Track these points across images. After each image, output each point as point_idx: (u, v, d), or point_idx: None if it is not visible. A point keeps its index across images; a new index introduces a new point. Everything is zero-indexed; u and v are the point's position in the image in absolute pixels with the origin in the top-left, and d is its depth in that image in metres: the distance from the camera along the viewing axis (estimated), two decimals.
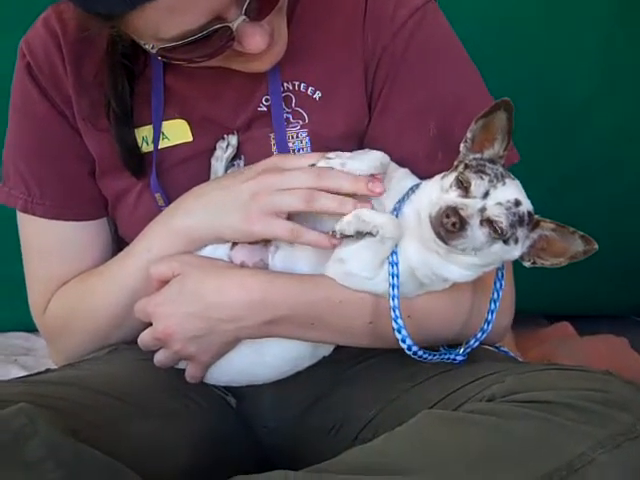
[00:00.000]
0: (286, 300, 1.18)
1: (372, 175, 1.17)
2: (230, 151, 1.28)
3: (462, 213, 1.08)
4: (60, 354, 1.38)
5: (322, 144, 1.25)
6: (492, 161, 1.14)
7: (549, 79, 2.11)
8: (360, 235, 1.14)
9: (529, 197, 1.14)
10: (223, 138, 1.29)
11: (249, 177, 1.19)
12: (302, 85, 1.26)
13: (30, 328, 1.84)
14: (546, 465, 0.90)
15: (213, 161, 1.29)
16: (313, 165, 1.18)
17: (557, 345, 2.05)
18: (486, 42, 1.90)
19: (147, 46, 1.10)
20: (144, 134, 1.30)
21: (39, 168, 1.33)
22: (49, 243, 1.35)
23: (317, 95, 1.26)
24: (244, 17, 1.07)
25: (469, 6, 2.02)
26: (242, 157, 1.29)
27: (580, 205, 2.06)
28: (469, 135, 1.15)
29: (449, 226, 1.07)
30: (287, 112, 1.26)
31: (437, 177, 1.18)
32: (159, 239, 1.25)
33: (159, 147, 1.29)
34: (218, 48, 1.10)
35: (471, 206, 1.09)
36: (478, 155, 1.15)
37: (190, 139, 1.30)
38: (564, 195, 2.12)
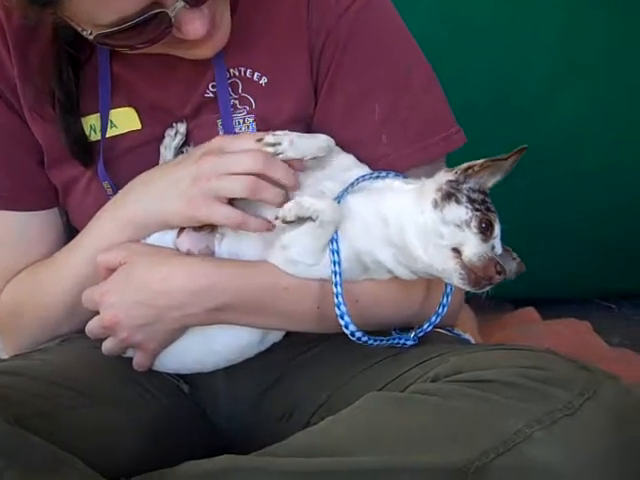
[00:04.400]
0: (232, 287, 1.18)
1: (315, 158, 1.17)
2: (179, 139, 1.28)
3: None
4: (12, 345, 1.37)
5: (269, 129, 1.23)
6: (485, 192, 1.14)
7: (505, 72, 2.10)
8: (301, 220, 1.14)
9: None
10: (172, 126, 1.28)
11: (192, 161, 1.19)
12: (248, 71, 1.26)
13: None
14: (483, 442, 0.91)
15: (162, 149, 1.29)
16: (261, 140, 1.16)
17: (521, 330, 2.07)
18: (443, 36, 1.92)
19: (85, 32, 1.09)
20: (92, 122, 1.29)
21: None
22: (0, 234, 1.35)
23: (263, 80, 1.26)
24: (183, 3, 1.06)
25: None
26: (191, 144, 1.29)
27: (541, 187, 2.07)
28: (476, 168, 1.13)
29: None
30: (234, 98, 1.26)
31: (412, 187, 1.16)
32: (107, 227, 1.25)
33: (108, 135, 1.28)
34: (157, 35, 1.09)
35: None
36: (469, 182, 1.13)
37: (139, 127, 1.29)
38: (523, 183, 2.12)
